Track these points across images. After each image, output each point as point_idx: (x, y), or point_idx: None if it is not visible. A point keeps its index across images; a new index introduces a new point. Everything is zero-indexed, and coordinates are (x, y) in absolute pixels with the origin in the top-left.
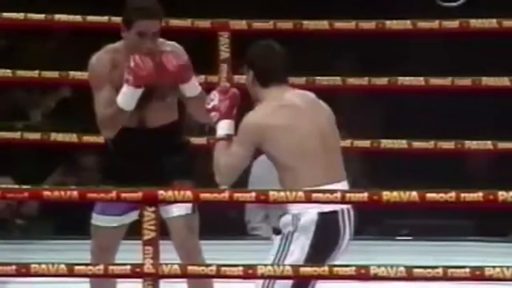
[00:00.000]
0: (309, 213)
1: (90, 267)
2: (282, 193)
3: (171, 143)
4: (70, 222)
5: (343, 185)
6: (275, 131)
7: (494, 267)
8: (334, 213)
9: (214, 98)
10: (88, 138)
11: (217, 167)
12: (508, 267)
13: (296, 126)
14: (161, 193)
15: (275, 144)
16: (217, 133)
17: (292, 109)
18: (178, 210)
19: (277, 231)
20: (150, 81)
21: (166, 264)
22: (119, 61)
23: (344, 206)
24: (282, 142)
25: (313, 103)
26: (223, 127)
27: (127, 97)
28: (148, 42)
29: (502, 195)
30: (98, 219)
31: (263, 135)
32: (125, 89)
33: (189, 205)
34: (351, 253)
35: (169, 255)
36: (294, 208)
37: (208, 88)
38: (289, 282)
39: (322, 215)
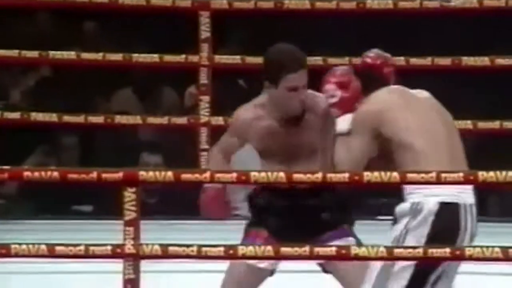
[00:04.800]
0: (429, 202)
1: (70, 248)
2: (263, 174)
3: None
4: (50, 202)
5: None
6: (393, 111)
7: (474, 247)
8: (455, 205)
9: (335, 95)
10: (68, 118)
11: (340, 163)
12: (488, 247)
13: (410, 103)
14: (142, 173)
15: (394, 125)
16: (337, 127)
17: (398, 88)
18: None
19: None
20: None
21: (147, 245)
22: (263, 116)
23: (467, 201)
24: (401, 121)
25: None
26: (344, 122)
27: None
28: (300, 94)
29: (482, 175)
30: None
31: (381, 119)
32: None
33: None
34: None
35: (150, 235)
36: (414, 196)
37: (189, 67)
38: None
39: (442, 205)
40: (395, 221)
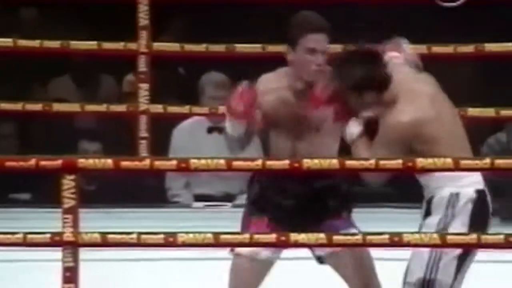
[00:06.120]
0: (468, 192)
1: (9, 236)
2: (203, 161)
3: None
4: None
5: None
6: (429, 125)
7: (412, 233)
8: (485, 191)
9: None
10: (5, 106)
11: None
12: (426, 233)
13: (441, 114)
14: (81, 161)
15: (429, 139)
16: (348, 132)
17: (427, 96)
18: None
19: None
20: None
21: (86, 233)
22: (279, 86)
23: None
24: (435, 135)
25: (429, 80)
26: (353, 127)
27: (231, 127)
28: (319, 58)
29: (420, 162)
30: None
31: (415, 133)
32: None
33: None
34: None
35: (89, 224)
36: (451, 187)
37: (127, 55)
38: (455, 255)
39: (478, 193)
40: (428, 212)
